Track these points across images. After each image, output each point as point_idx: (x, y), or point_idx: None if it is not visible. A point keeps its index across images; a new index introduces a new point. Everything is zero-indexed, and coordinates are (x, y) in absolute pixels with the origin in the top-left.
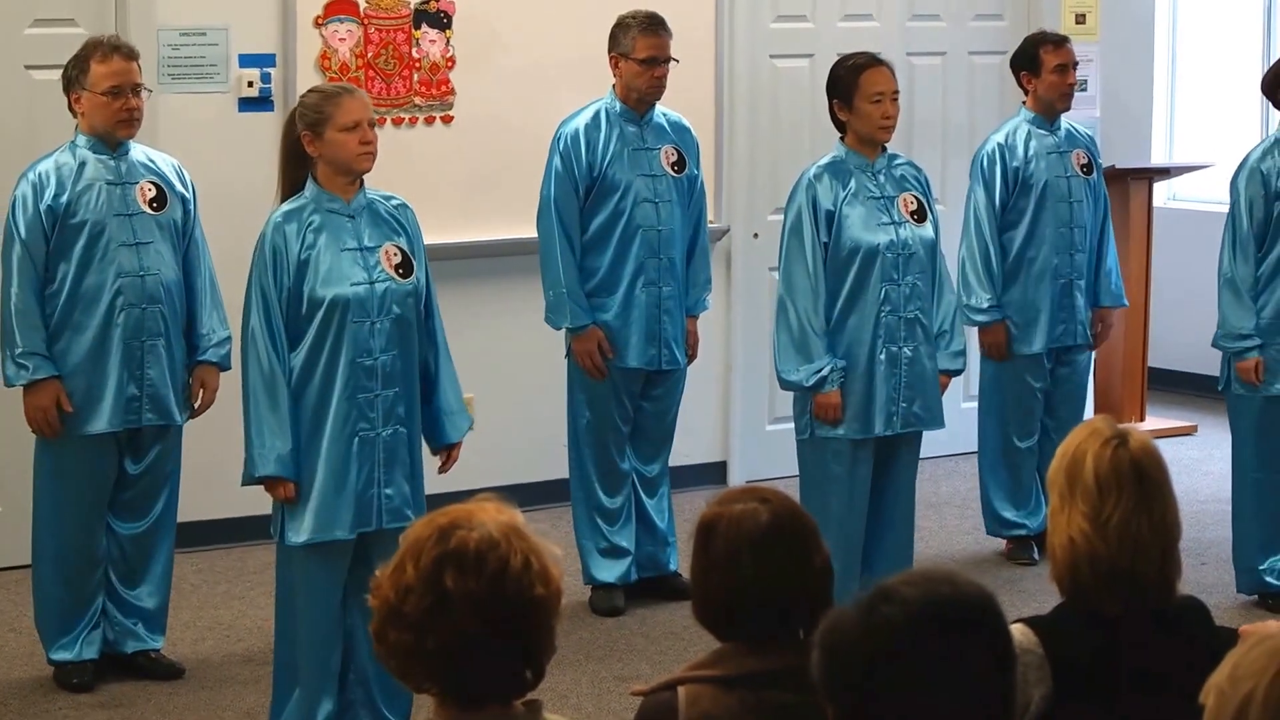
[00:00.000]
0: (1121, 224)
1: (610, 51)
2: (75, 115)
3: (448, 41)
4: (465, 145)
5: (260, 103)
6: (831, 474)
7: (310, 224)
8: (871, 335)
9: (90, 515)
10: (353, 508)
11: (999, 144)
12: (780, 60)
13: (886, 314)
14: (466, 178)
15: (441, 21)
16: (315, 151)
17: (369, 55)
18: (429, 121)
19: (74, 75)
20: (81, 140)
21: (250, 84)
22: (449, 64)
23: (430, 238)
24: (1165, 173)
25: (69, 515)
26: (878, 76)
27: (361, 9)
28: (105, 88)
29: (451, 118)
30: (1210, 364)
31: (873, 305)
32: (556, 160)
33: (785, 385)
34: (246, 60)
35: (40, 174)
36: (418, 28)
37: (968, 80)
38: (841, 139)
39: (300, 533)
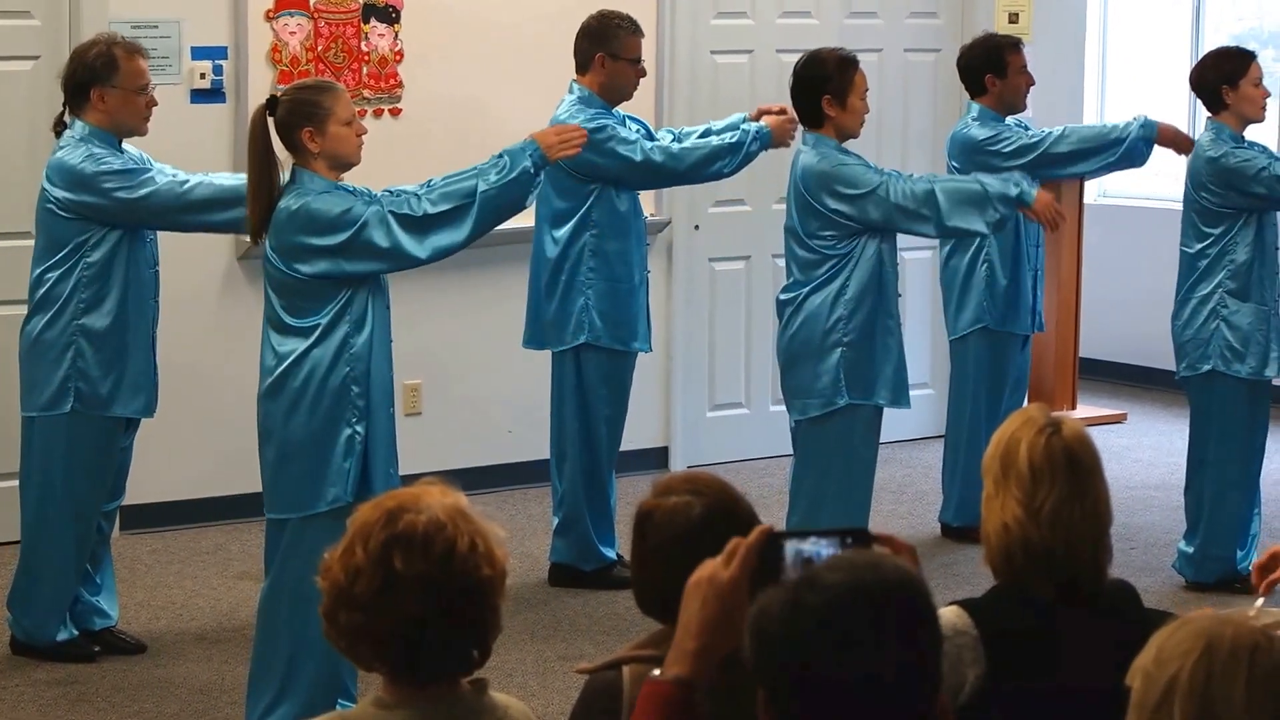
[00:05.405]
0: None
1: (597, 51)
2: (80, 112)
3: (396, 35)
4: (413, 138)
5: (212, 94)
6: (863, 440)
7: None
8: (895, 309)
9: (102, 495)
10: None
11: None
12: (720, 56)
13: (895, 292)
14: (414, 170)
15: (390, 16)
16: (317, 147)
17: (319, 49)
18: (377, 114)
19: (101, 72)
20: (95, 135)
21: (202, 76)
22: (397, 57)
23: None
24: None
25: (94, 495)
26: (862, 73)
27: (312, 3)
28: (139, 84)
29: (399, 110)
30: (1139, 354)
31: (891, 285)
32: (619, 130)
33: (997, 225)
34: (199, 53)
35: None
36: (366, 22)
37: (903, 77)
38: (819, 133)
39: None
